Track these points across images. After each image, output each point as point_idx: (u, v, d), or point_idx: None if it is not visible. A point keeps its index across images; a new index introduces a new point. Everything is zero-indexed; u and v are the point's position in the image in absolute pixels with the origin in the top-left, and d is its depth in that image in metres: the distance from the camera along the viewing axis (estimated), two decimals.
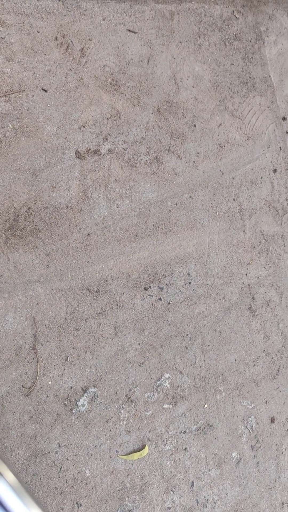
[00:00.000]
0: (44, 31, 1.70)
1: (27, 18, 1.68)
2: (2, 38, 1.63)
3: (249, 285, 1.98)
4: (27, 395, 1.57)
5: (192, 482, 1.77)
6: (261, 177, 2.06)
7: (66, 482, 1.59)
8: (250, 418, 1.91)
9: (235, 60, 2.07)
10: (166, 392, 1.78)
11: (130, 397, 1.72)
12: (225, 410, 1.87)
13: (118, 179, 1.78)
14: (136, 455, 1.69)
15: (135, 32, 1.85)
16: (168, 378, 1.78)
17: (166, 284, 1.82)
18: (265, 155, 2.08)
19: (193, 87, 1.96)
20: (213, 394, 1.85)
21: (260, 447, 1.91)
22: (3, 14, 1.63)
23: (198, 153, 1.94)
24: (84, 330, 1.68)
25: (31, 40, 1.68)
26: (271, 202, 2.07)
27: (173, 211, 1.86)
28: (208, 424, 1.83)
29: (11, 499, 0.32)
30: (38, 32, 1.69)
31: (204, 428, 1.82)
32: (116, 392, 1.70)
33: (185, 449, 1.78)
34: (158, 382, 1.77)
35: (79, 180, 1.72)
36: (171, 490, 1.73)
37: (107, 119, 1.79)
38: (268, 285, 2.02)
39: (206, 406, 1.84)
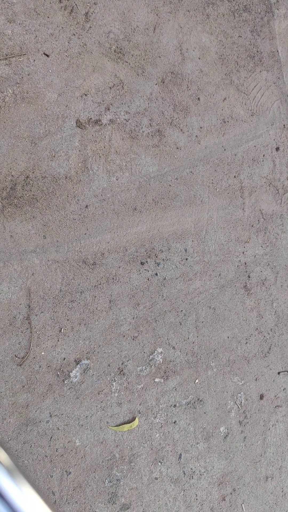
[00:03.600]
0: None
1: None
2: None
3: (245, 263, 1.98)
4: (20, 365, 1.58)
5: (180, 454, 1.81)
6: (263, 155, 2.03)
7: (56, 451, 1.61)
8: (239, 394, 1.94)
9: (243, 33, 2.01)
10: (158, 367, 1.79)
11: (122, 370, 1.73)
12: (216, 386, 1.89)
13: (119, 150, 1.75)
14: (126, 427, 1.72)
15: None
16: (161, 352, 1.80)
17: (163, 259, 1.81)
18: (268, 133, 2.05)
19: (199, 58, 1.91)
20: (205, 370, 1.87)
21: (248, 422, 1.94)
22: None
23: (201, 127, 1.90)
24: (79, 302, 1.67)
25: (34, 1, 1.61)
26: (272, 181, 2.05)
27: (173, 186, 1.84)
28: (198, 399, 1.85)
29: (3, 480, 0.32)
30: None
31: (194, 402, 1.85)
32: (109, 365, 1.71)
33: (174, 422, 1.80)
34: (150, 356, 1.78)
35: (79, 150, 1.68)
36: (159, 462, 1.76)
37: (110, 88, 1.74)
38: (264, 264, 2.02)
39: (197, 381, 1.86)
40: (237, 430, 1.92)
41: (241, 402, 1.94)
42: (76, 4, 1.68)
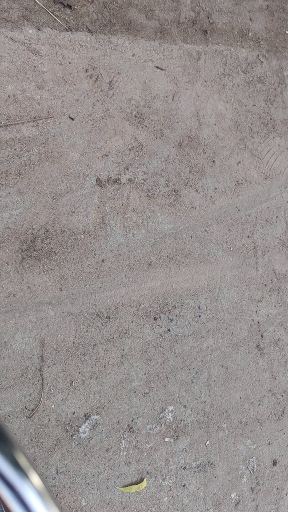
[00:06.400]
0: (75, 63, 1.77)
1: (60, 49, 1.75)
2: (35, 67, 1.69)
3: (258, 322, 1.98)
4: (29, 417, 1.56)
5: None
6: (276, 216, 2.08)
7: (61, 511, 1.56)
8: (252, 459, 1.88)
9: (257, 102, 2.12)
10: (168, 425, 1.75)
11: (132, 428, 1.70)
12: (227, 449, 1.84)
13: (136, 208, 1.81)
14: (134, 488, 1.66)
15: (162, 69, 1.92)
16: (172, 411, 1.77)
17: (176, 315, 1.82)
18: (281, 195, 2.11)
19: (215, 124, 2.01)
20: (216, 431, 1.83)
21: (260, 490, 1.87)
22: (38, 44, 1.70)
23: (216, 188, 1.97)
24: (91, 356, 1.68)
25: (63, 70, 1.74)
26: (285, 241, 2.08)
27: (187, 244, 1.88)
28: (208, 462, 1.80)
29: (36, 503, 0.33)
30: (69, 63, 1.75)
31: (205, 465, 1.79)
32: (118, 421, 1.69)
33: (184, 485, 1.74)
34: (161, 414, 1.75)
35: (98, 207, 1.75)
36: None
37: (130, 149, 1.83)
38: (277, 324, 2.01)
39: (208, 443, 1.81)
40: (249, 498, 1.84)
41: (253, 468, 1.87)
42: (101, 74, 1.80)
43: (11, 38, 1.66)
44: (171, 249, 1.85)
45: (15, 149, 1.64)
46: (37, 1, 1.73)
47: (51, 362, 1.62)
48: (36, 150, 1.68)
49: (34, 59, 1.69)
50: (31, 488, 0.32)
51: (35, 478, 0.34)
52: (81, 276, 1.70)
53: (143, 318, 1.77)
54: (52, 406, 1.60)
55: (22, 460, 0.33)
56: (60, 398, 1.62)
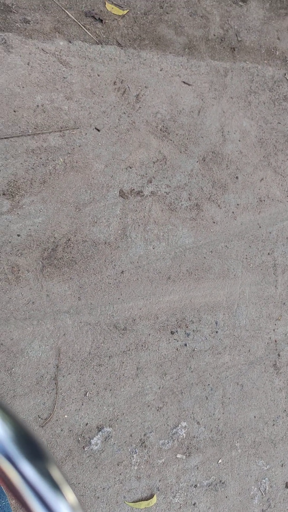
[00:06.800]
0: (104, 75, 1.79)
1: (90, 62, 1.77)
2: (65, 78, 1.71)
3: (275, 341, 1.95)
4: (42, 426, 1.56)
5: None
6: None
7: None
8: (264, 480, 1.84)
9: (282, 120, 2.12)
10: (181, 441, 1.73)
11: (144, 442, 1.68)
12: (239, 468, 1.81)
13: (157, 221, 1.81)
14: (144, 504, 1.64)
15: (189, 84, 1.93)
16: (185, 427, 1.75)
17: (193, 330, 1.81)
18: None
19: (239, 141, 2.01)
20: (229, 450, 1.80)
21: None
22: (68, 56, 1.73)
23: (237, 204, 1.96)
24: (107, 367, 1.67)
25: (91, 82, 1.76)
26: None
27: (207, 258, 1.88)
28: (220, 481, 1.77)
29: None
30: (98, 75, 1.78)
31: (216, 484, 1.76)
32: (131, 435, 1.67)
33: (194, 504, 1.71)
34: (174, 430, 1.73)
35: (120, 218, 1.75)
36: None
37: (154, 162, 1.84)
38: None
39: (220, 461, 1.78)
40: None
41: (265, 489, 1.84)
42: (128, 87, 1.82)
43: (42, 49, 1.69)
44: (191, 263, 1.85)
45: (41, 158, 1.66)
46: (69, 14, 1.75)
47: (66, 371, 1.61)
48: (61, 159, 1.69)
49: (64, 71, 1.72)
50: (64, 505, 0.32)
51: (70, 494, 0.33)
52: (100, 286, 1.70)
53: (160, 331, 1.76)
54: (65, 416, 1.60)
55: (56, 475, 0.33)
56: (74, 408, 1.61)
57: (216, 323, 1.86)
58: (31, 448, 0.33)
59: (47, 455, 0.34)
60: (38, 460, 0.33)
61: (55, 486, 0.32)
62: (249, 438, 1.84)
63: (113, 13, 1.84)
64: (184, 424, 1.75)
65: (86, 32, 1.78)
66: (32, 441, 0.33)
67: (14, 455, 0.32)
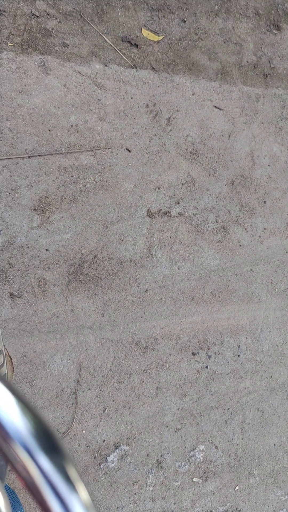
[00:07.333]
0: (137, 98, 1.84)
1: (124, 85, 1.82)
2: (99, 100, 1.77)
3: None
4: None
5: None
6: None
7: None
8: (282, 511, 1.79)
9: None
10: (198, 465, 1.71)
11: (160, 463, 1.67)
12: (257, 497, 1.77)
13: (184, 242, 1.83)
14: None
15: (220, 109, 1.96)
16: (203, 450, 1.73)
17: (215, 352, 1.80)
18: None
19: (269, 165, 2.02)
20: (247, 477, 1.77)
21: None
22: (103, 79, 1.79)
23: (265, 228, 1.97)
24: (127, 385, 1.68)
25: (124, 104, 1.82)
26: None
27: (232, 281, 1.88)
28: (236, 508, 1.73)
29: None
30: (131, 98, 1.83)
31: None
32: (148, 455, 1.66)
33: None
34: (191, 453, 1.71)
35: (146, 237, 1.78)
36: None
37: (182, 184, 1.87)
38: None
39: (237, 488, 1.75)
40: None
41: None
42: (160, 110, 1.86)
43: (79, 72, 1.75)
44: (216, 285, 1.85)
45: (72, 176, 1.71)
46: (107, 39, 1.82)
47: (86, 386, 1.63)
48: (92, 178, 1.74)
49: (98, 93, 1.78)
50: (78, 502, 0.33)
51: (83, 493, 0.34)
52: (123, 304, 1.72)
53: (182, 352, 1.76)
54: (83, 432, 1.60)
55: (72, 473, 0.34)
56: (92, 424, 1.62)
57: (239, 347, 1.84)
58: (49, 443, 0.34)
59: (65, 453, 0.35)
60: (55, 455, 0.34)
61: (70, 482, 0.34)
62: (268, 467, 1.80)
63: (149, 39, 1.90)
64: (202, 447, 1.73)
65: (122, 57, 1.84)
66: (51, 437, 0.35)
67: (32, 447, 0.34)
